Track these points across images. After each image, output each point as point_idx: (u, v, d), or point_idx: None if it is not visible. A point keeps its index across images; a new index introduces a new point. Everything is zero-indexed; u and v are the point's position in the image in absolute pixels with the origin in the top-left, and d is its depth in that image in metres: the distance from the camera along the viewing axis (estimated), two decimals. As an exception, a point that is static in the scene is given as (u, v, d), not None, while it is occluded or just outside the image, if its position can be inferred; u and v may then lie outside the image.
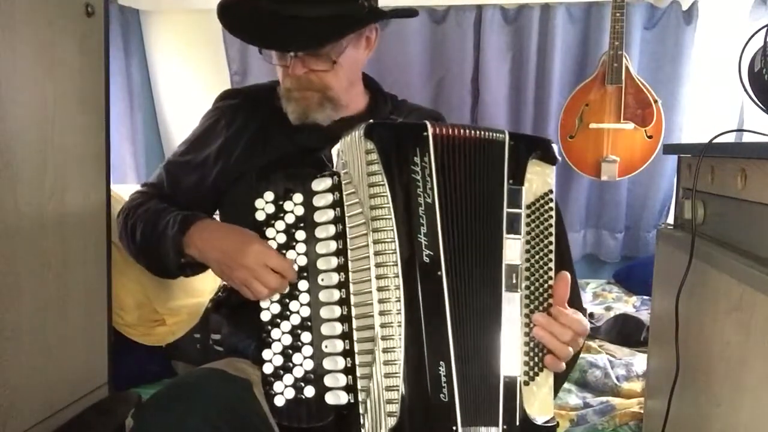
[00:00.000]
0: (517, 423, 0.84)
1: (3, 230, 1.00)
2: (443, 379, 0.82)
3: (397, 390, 0.82)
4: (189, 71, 2.81)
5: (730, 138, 1.16)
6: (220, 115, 1.17)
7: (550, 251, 0.89)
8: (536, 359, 0.88)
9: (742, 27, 2.48)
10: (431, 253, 0.84)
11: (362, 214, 0.86)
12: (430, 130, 0.87)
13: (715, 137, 1.03)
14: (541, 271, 0.89)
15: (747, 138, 1.17)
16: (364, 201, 0.86)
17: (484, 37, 2.76)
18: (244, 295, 0.93)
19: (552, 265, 0.89)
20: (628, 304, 2.47)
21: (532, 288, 0.88)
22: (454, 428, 0.82)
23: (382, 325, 0.83)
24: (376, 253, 0.85)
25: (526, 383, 0.86)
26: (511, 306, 0.86)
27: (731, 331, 0.94)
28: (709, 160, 1.08)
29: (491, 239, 0.88)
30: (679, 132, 2.71)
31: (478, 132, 0.91)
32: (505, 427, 0.83)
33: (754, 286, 0.86)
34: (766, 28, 0.97)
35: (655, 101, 2.50)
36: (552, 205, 0.91)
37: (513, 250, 0.87)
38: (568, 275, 0.89)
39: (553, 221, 0.90)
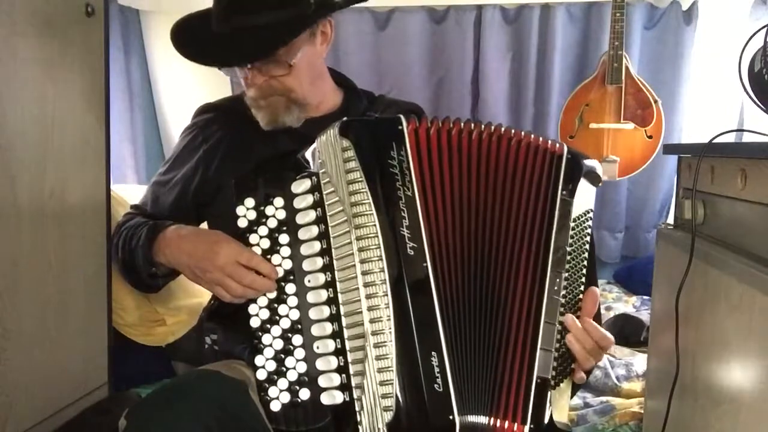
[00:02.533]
0: (545, 424, 0.85)
1: (3, 230, 1.00)
2: (436, 369, 0.83)
3: (391, 384, 0.82)
4: (189, 71, 2.80)
5: (730, 138, 1.16)
6: (197, 131, 1.19)
7: (584, 266, 0.92)
8: (563, 366, 0.89)
9: (742, 27, 2.48)
10: (415, 245, 0.85)
11: (343, 212, 0.87)
12: (405, 124, 0.88)
13: (715, 137, 1.03)
14: (575, 284, 0.91)
15: (747, 138, 1.17)
16: (344, 199, 0.87)
17: (484, 37, 2.76)
18: (220, 298, 0.93)
19: (583, 279, 0.91)
20: (628, 304, 2.47)
21: (569, 297, 0.90)
22: (451, 417, 0.82)
23: (372, 321, 0.84)
24: (360, 250, 0.85)
25: (552, 387, 0.87)
26: (552, 311, 0.87)
27: (731, 331, 0.94)
28: (709, 160, 1.08)
29: (501, 234, 0.89)
30: (679, 132, 2.71)
31: (492, 128, 0.92)
32: (532, 426, 0.85)
33: (754, 286, 0.86)
34: (766, 28, 0.97)
35: (655, 101, 2.50)
36: (590, 223, 0.94)
37: (559, 258, 0.89)
38: (597, 292, 0.90)
39: (589, 238, 0.93)
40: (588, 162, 0.93)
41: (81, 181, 1.17)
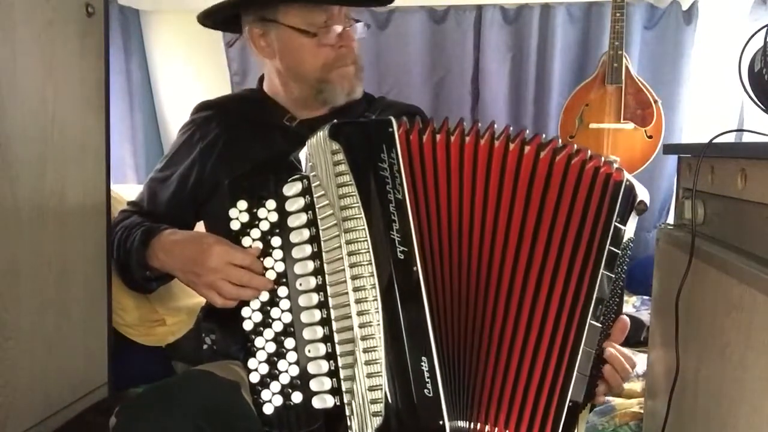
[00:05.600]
0: None
1: (3, 230, 1.00)
2: (426, 374, 0.83)
3: (381, 389, 0.82)
4: (189, 71, 2.80)
5: (730, 138, 1.16)
6: (194, 128, 1.19)
7: (619, 295, 0.91)
8: (590, 389, 0.89)
9: (742, 27, 2.47)
10: (405, 249, 0.85)
11: (333, 215, 0.86)
12: (396, 126, 0.88)
13: (715, 137, 1.03)
14: (609, 312, 0.90)
15: (747, 138, 1.17)
16: (334, 202, 0.86)
17: (484, 37, 2.76)
18: (212, 303, 0.93)
19: (616, 308, 0.91)
20: (628, 304, 2.47)
21: (604, 326, 0.89)
22: (441, 423, 0.82)
23: (361, 325, 0.84)
24: (350, 253, 0.85)
25: (581, 411, 0.87)
26: (592, 336, 0.87)
27: (731, 331, 0.94)
28: (709, 160, 1.08)
29: (521, 246, 0.88)
30: (679, 132, 2.70)
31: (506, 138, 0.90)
32: None
33: (754, 286, 0.86)
34: (766, 28, 0.97)
35: (655, 101, 2.50)
36: (630, 252, 0.92)
37: (605, 285, 0.87)
38: (628, 322, 0.90)
39: (626, 267, 0.91)
40: (640, 193, 0.92)
41: (81, 181, 1.17)
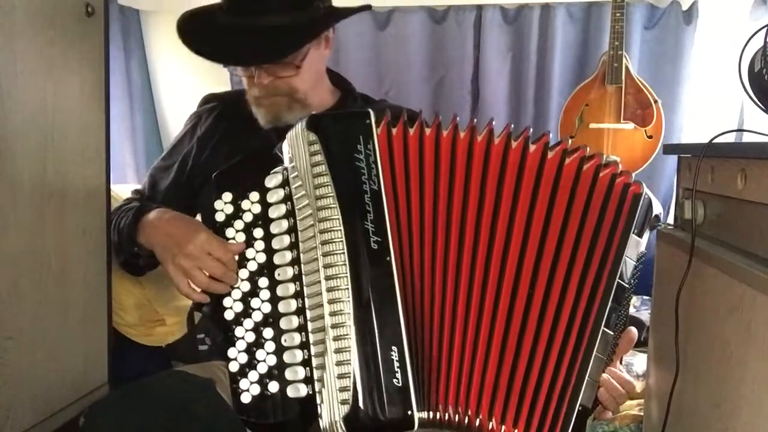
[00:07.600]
0: None
1: (3, 229, 1.00)
2: (396, 363, 0.83)
3: (349, 377, 0.82)
4: (189, 71, 2.80)
5: (730, 138, 1.16)
6: (197, 119, 1.22)
7: (629, 306, 0.93)
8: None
9: (742, 27, 2.47)
10: (379, 239, 0.85)
11: (309, 205, 0.87)
12: (373, 118, 0.88)
13: (715, 137, 1.03)
14: (619, 322, 0.91)
15: (747, 138, 1.17)
16: (310, 192, 0.87)
17: (484, 37, 2.76)
18: (177, 288, 0.94)
19: (625, 318, 0.93)
20: (628, 304, 2.47)
21: (614, 335, 0.90)
22: (409, 413, 0.82)
23: (332, 314, 0.85)
24: (323, 243, 0.86)
25: (588, 416, 0.88)
26: (603, 343, 0.87)
27: (731, 331, 0.94)
28: (709, 160, 1.08)
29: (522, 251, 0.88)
30: (679, 132, 2.70)
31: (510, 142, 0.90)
32: None
33: (754, 286, 0.86)
34: (766, 28, 0.97)
35: (655, 101, 2.50)
36: (641, 266, 0.92)
37: (619, 294, 0.88)
38: (636, 334, 0.90)
39: (637, 280, 0.92)
40: (654, 203, 0.93)
41: (81, 180, 1.17)
